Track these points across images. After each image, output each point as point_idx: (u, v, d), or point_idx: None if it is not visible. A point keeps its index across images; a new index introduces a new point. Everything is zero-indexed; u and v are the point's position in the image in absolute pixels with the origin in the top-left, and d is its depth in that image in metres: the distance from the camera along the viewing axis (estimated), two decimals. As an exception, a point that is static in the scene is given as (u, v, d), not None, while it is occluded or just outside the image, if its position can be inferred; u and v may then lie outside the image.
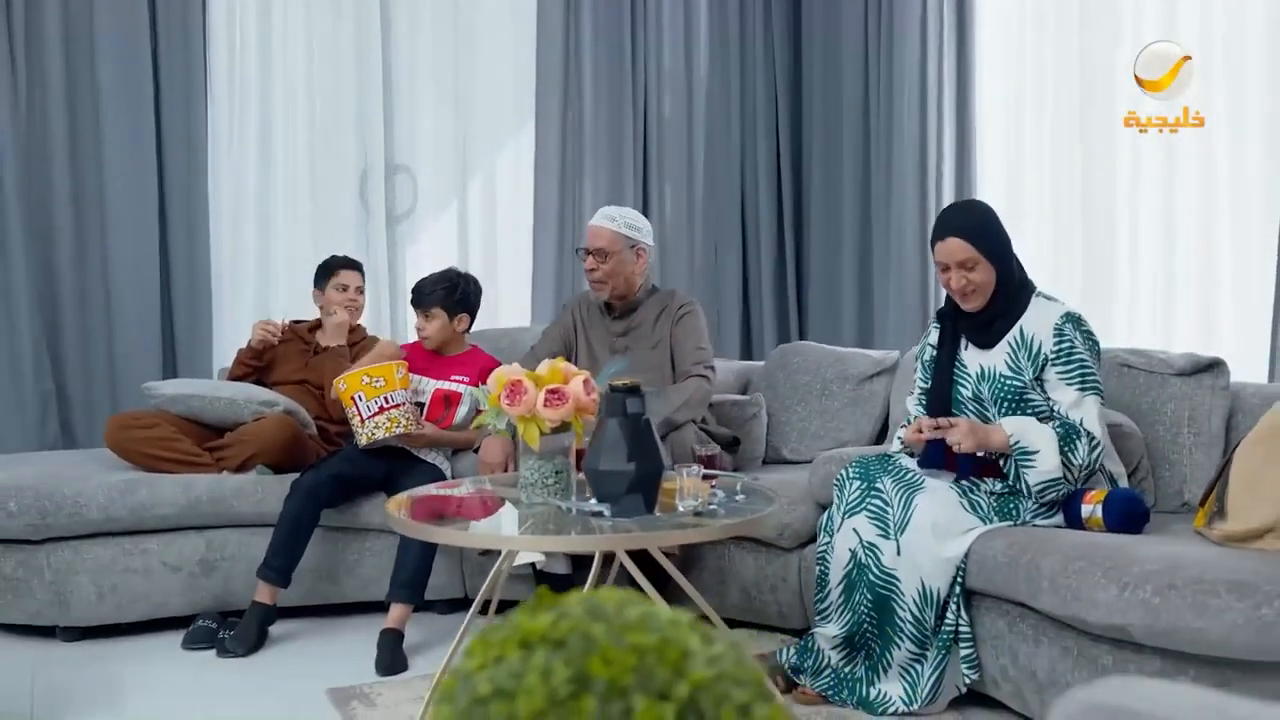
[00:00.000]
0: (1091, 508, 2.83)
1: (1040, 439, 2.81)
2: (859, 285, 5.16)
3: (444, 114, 5.16)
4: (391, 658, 3.29)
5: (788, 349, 4.30)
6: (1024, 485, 2.84)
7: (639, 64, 5.25)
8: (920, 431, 2.91)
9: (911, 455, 3.05)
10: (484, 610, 3.24)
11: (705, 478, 2.85)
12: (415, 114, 5.13)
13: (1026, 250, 4.52)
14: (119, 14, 4.56)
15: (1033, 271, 4.50)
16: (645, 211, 5.31)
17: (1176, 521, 2.98)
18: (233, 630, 3.43)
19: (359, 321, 4.20)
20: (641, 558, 2.92)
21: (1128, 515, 2.80)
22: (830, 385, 3.99)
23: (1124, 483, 3.04)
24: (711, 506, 2.66)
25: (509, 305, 5.20)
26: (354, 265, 4.18)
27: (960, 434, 2.83)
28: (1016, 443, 2.82)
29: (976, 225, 2.96)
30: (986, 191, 4.67)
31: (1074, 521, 2.86)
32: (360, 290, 4.14)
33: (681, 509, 2.63)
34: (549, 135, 5.12)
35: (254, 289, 4.90)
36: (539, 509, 2.70)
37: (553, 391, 2.66)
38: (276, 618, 3.54)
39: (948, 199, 4.66)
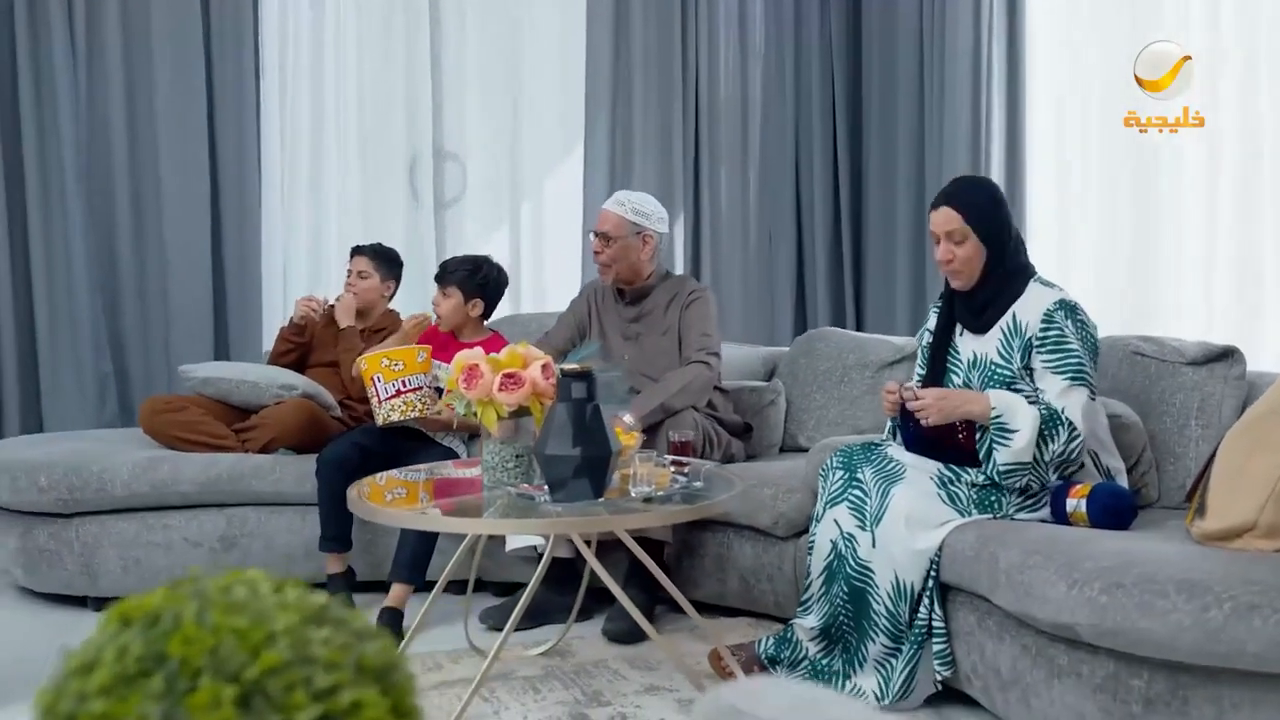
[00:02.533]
0: (1076, 502, 2.72)
1: (1022, 419, 2.69)
2: (913, 272, 5.05)
3: (493, 101, 5.20)
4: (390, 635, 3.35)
5: (813, 335, 4.23)
6: (992, 464, 2.73)
7: (690, 47, 5.20)
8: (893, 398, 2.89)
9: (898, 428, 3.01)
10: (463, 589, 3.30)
11: (675, 463, 2.84)
12: (464, 101, 5.18)
13: (1074, 238, 4.38)
14: (174, 6, 4.72)
15: (1079, 261, 4.38)
16: (697, 197, 5.27)
17: (1176, 517, 2.84)
18: None
19: (383, 306, 4.24)
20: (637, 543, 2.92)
21: (1111, 510, 2.68)
22: (850, 372, 3.91)
23: (1123, 478, 2.91)
24: (662, 493, 2.63)
25: (557, 291, 5.22)
26: (357, 251, 4.24)
27: (923, 405, 2.74)
28: (998, 416, 2.70)
29: (972, 199, 2.86)
30: (1035, 178, 4.55)
31: (1059, 516, 2.75)
32: (361, 275, 4.19)
33: (634, 494, 2.61)
34: (599, 120, 5.11)
35: (305, 275, 5.02)
36: (500, 493, 2.72)
37: (509, 376, 2.67)
38: (355, 582, 3.69)
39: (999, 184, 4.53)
